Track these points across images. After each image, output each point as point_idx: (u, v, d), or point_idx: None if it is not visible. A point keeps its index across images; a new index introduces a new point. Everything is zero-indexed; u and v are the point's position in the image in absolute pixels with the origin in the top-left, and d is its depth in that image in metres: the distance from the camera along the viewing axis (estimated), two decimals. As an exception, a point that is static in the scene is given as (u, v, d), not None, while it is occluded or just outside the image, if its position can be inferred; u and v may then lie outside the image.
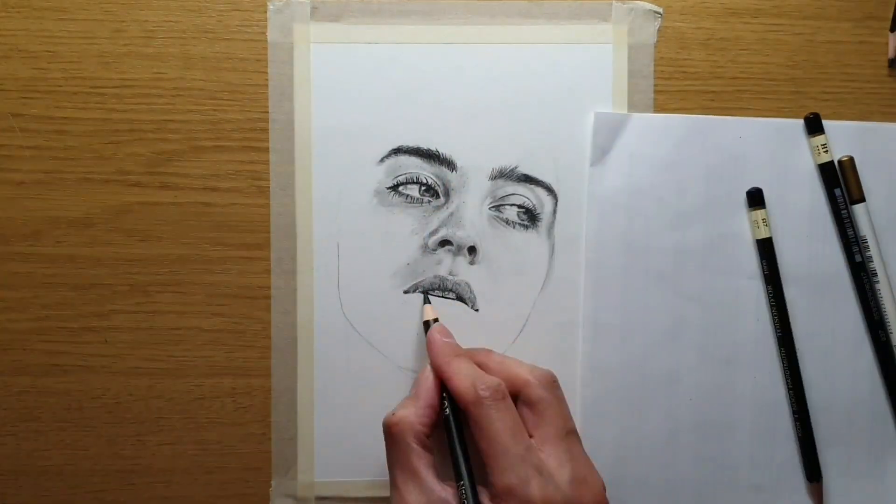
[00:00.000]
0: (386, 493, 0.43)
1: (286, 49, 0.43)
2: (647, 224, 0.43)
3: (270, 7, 0.43)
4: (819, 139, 0.43)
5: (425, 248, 0.43)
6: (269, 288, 0.43)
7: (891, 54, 0.43)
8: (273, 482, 0.44)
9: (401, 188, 0.43)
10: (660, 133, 0.43)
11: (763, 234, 0.43)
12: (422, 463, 0.35)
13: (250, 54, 0.43)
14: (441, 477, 0.36)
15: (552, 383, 0.37)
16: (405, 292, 0.43)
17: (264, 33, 0.43)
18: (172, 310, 0.43)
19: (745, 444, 0.43)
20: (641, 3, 0.43)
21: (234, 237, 0.43)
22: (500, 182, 0.43)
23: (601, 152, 0.43)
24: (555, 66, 0.43)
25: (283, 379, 0.43)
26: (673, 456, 0.43)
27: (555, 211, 0.43)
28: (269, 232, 0.43)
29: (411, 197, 0.43)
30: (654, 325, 0.43)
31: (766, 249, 0.43)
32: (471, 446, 0.37)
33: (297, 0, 0.43)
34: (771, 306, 0.43)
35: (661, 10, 0.43)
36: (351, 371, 0.43)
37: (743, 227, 0.43)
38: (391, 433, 0.36)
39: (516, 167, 0.43)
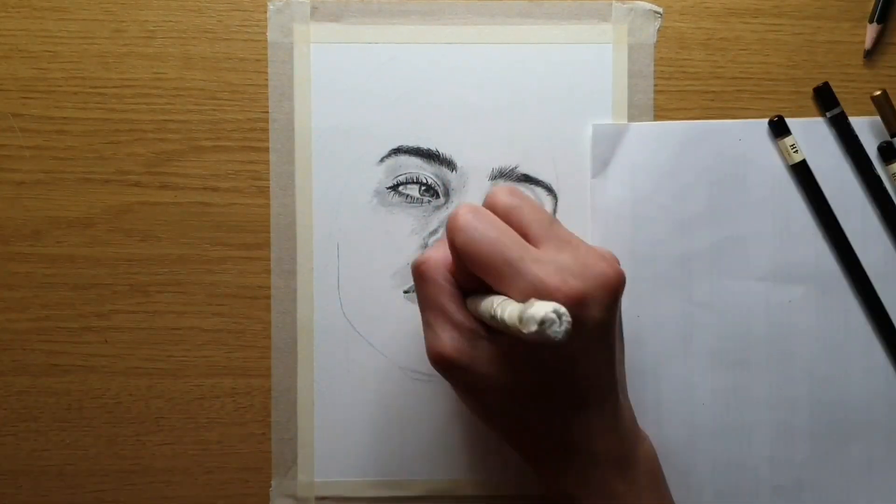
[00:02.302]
0: (386, 493, 0.43)
1: (286, 49, 0.43)
2: (652, 232, 0.43)
3: (270, 7, 0.43)
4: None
5: (425, 248, 0.43)
6: (269, 288, 0.43)
7: (868, 45, 0.43)
8: (273, 482, 0.44)
9: (401, 188, 0.43)
10: (659, 141, 0.43)
11: (796, 159, 0.43)
12: (451, 300, 0.35)
13: (250, 54, 0.43)
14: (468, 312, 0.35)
15: (513, 190, 0.36)
16: (405, 292, 0.43)
17: (264, 33, 0.43)
18: (172, 310, 0.43)
19: (765, 446, 0.43)
20: (641, 3, 0.43)
21: (234, 237, 0.43)
22: (500, 182, 0.43)
23: (602, 164, 0.43)
24: (554, 67, 0.43)
25: (283, 379, 0.43)
26: (692, 461, 0.43)
27: (555, 211, 0.43)
28: (269, 232, 0.43)
29: (411, 197, 0.43)
30: (666, 333, 0.43)
31: (803, 173, 0.43)
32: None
33: (297, 0, 0.43)
34: (826, 234, 0.43)
35: (661, 10, 0.43)
36: (351, 371, 0.43)
37: (749, 229, 0.43)
38: (420, 272, 0.35)
39: (516, 167, 0.43)
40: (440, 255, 0.36)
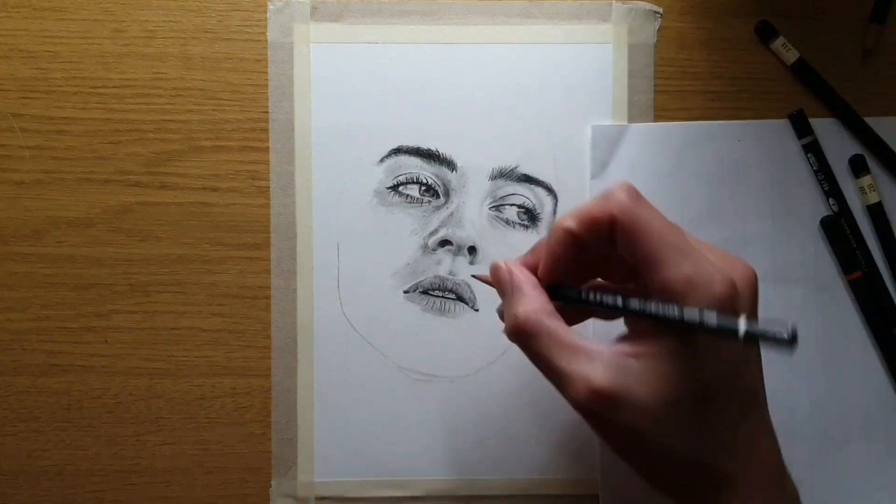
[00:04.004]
0: (386, 492, 0.43)
1: (286, 49, 0.43)
2: None
3: (270, 7, 0.43)
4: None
5: (425, 248, 0.43)
6: (269, 288, 0.43)
7: (869, 46, 0.43)
8: (273, 482, 0.44)
9: (401, 188, 0.43)
10: (658, 142, 0.43)
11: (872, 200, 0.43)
12: (572, 335, 0.31)
13: (250, 54, 0.43)
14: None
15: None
16: (405, 292, 0.43)
17: (264, 33, 0.43)
18: (172, 310, 0.43)
19: None
20: (641, 3, 0.43)
21: (234, 237, 0.43)
22: (500, 182, 0.43)
23: (601, 165, 0.43)
24: (555, 67, 0.43)
25: (283, 379, 0.43)
26: None
27: (555, 211, 0.43)
28: (269, 232, 0.43)
29: (411, 197, 0.43)
30: None
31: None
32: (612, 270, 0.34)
33: (297, 0, 0.43)
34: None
35: (660, 10, 0.43)
36: (351, 371, 0.43)
37: (747, 230, 0.43)
38: (523, 328, 0.32)
39: (516, 167, 0.43)
40: (531, 301, 0.33)
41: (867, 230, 0.43)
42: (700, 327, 0.29)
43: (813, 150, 0.43)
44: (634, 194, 0.32)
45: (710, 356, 0.30)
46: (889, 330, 0.43)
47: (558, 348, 0.31)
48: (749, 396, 0.32)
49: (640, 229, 0.31)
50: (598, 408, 0.30)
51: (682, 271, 0.30)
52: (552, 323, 0.32)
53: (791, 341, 0.27)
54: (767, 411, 0.34)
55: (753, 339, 0.28)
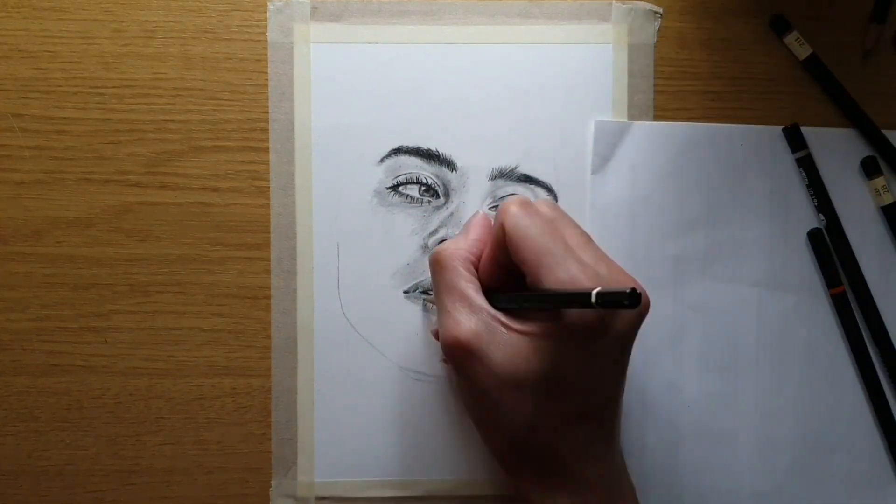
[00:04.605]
0: (386, 492, 0.43)
1: (286, 49, 0.43)
2: (648, 232, 0.43)
3: (270, 7, 0.43)
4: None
5: (425, 248, 0.43)
6: (269, 288, 0.43)
7: (868, 46, 0.43)
8: (273, 482, 0.44)
9: (401, 188, 0.43)
10: (661, 141, 0.43)
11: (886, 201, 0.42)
12: (471, 287, 0.36)
13: (250, 54, 0.43)
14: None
15: (553, 205, 0.38)
16: (405, 292, 0.43)
17: (264, 33, 0.43)
18: (172, 310, 0.43)
19: (747, 452, 0.43)
20: (641, 3, 0.43)
21: (234, 237, 0.43)
22: (499, 182, 0.43)
23: (602, 161, 0.43)
24: (554, 67, 0.43)
25: (283, 379, 0.43)
26: (674, 464, 0.43)
27: (555, 211, 0.43)
28: (269, 232, 0.43)
29: (411, 197, 0.43)
30: (655, 334, 0.43)
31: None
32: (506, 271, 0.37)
33: (297, 0, 0.43)
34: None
35: (660, 10, 0.43)
36: (351, 371, 0.43)
37: (745, 235, 0.43)
38: (439, 259, 0.37)
39: (516, 167, 0.43)
40: (460, 246, 0.37)
41: (865, 240, 0.43)
42: (557, 298, 0.33)
43: (805, 165, 0.42)
44: (524, 205, 0.36)
45: (565, 349, 0.34)
46: (864, 345, 0.43)
47: (454, 288, 0.36)
48: (589, 403, 0.35)
49: (521, 236, 0.34)
50: (457, 356, 0.35)
51: (556, 275, 0.33)
52: (465, 269, 0.36)
53: (631, 299, 0.28)
54: (610, 431, 0.36)
55: (604, 302, 0.29)
